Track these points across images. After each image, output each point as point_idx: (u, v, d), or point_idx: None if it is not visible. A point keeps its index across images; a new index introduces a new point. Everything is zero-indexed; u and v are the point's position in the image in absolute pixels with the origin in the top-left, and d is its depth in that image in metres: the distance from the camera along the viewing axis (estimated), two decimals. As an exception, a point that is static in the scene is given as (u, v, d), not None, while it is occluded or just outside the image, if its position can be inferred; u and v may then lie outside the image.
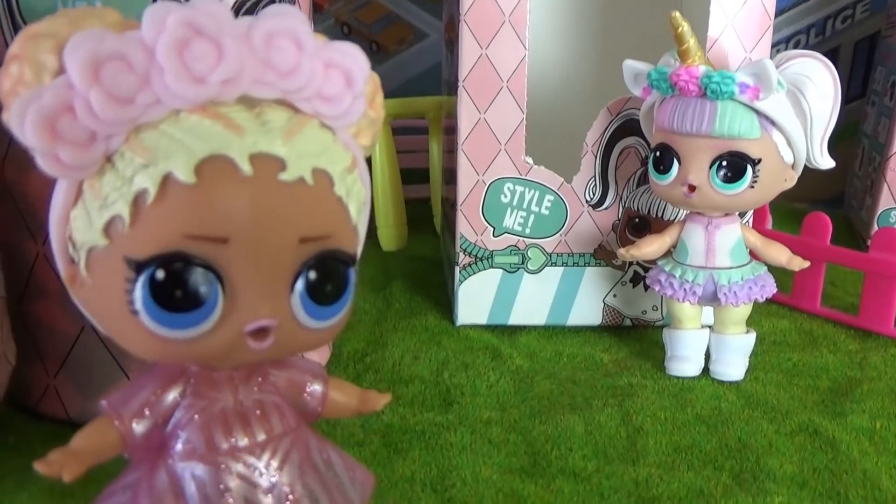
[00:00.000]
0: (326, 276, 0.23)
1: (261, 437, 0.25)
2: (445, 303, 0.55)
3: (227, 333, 0.22)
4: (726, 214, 0.43)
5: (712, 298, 0.44)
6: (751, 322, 0.45)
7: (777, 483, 0.36)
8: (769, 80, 0.38)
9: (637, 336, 0.51)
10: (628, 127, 0.48)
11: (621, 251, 0.45)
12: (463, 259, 0.50)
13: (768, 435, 0.39)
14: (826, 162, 0.42)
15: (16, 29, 0.34)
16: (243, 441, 0.24)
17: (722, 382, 0.45)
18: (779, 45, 0.80)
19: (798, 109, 0.40)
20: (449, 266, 0.55)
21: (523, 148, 0.48)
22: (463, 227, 0.50)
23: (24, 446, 0.38)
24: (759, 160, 0.40)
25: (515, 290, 0.51)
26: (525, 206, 0.49)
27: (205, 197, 0.21)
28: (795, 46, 0.80)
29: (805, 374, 0.46)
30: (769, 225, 0.58)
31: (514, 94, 0.47)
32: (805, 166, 0.42)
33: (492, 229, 0.50)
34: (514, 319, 0.51)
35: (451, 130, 0.53)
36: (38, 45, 0.22)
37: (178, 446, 0.24)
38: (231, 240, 0.21)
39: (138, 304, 0.21)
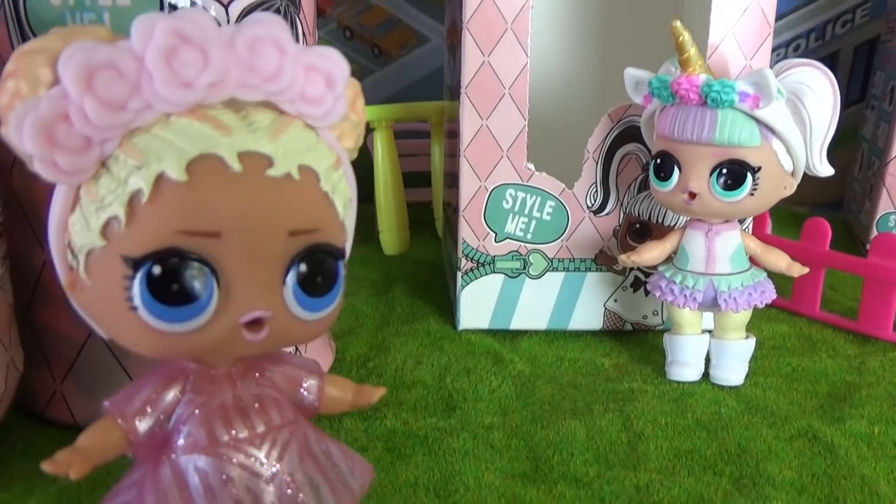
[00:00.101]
0: (317, 268, 0.24)
1: (260, 428, 0.26)
2: (447, 307, 0.56)
3: (224, 325, 0.23)
4: (726, 221, 0.44)
5: (712, 304, 0.44)
6: (751, 326, 0.46)
7: (776, 488, 0.36)
8: (769, 89, 0.39)
9: (638, 341, 0.51)
10: (629, 133, 0.48)
11: (622, 257, 0.46)
12: (465, 264, 0.51)
13: (768, 440, 0.40)
14: (825, 169, 0.42)
15: (24, 39, 0.34)
16: (243, 433, 0.25)
17: (722, 387, 0.45)
18: (779, 50, 0.80)
19: (797, 118, 0.41)
20: (451, 271, 0.55)
21: (525, 154, 0.49)
22: (465, 233, 0.50)
23: (31, 451, 0.38)
24: (759, 168, 0.41)
25: (517, 295, 0.51)
26: (527, 211, 0.50)
27: (196, 194, 0.22)
28: (795, 51, 0.80)
29: (804, 379, 0.46)
30: (769, 230, 0.59)
31: (516, 101, 0.48)
32: (805, 172, 0.43)
33: (494, 235, 0.50)
34: (516, 324, 0.52)
35: (452, 134, 0.53)
36: (33, 60, 0.23)
37: (181, 441, 0.25)
38: (223, 234, 0.22)
39: (137, 300, 0.22)
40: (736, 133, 0.40)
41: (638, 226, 0.50)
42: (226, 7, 0.35)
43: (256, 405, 0.26)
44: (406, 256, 0.67)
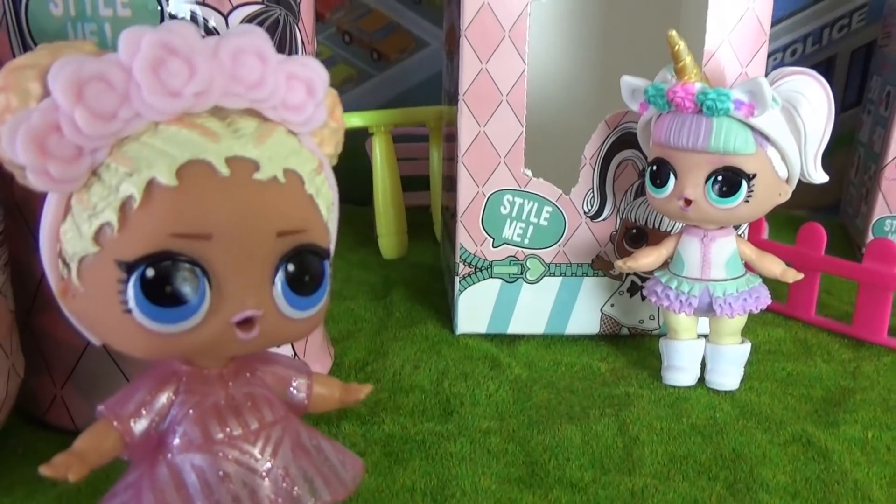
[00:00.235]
0: (304, 267, 0.25)
1: (254, 425, 0.26)
2: (445, 311, 0.56)
3: (216, 325, 0.24)
4: (721, 227, 0.44)
5: (708, 309, 0.45)
6: (746, 331, 0.46)
7: (770, 493, 0.36)
8: (764, 97, 0.39)
9: (634, 345, 0.52)
10: (626, 140, 0.49)
11: (619, 263, 0.46)
12: (463, 269, 0.51)
13: (762, 445, 0.40)
14: (820, 177, 0.42)
15: (25, 48, 0.35)
16: (238, 430, 0.26)
17: (717, 392, 0.46)
18: (776, 54, 0.80)
19: (792, 125, 0.41)
20: (449, 275, 0.55)
21: (522, 160, 0.49)
22: (463, 238, 0.50)
23: (32, 456, 0.38)
24: (754, 175, 0.41)
25: (514, 300, 0.52)
26: (524, 217, 0.50)
27: (187, 197, 0.23)
28: (792, 55, 0.81)
29: (799, 384, 0.47)
30: (765, 235, 0.59)
31: (514, 108, 0.48)
32: (800, 179, 0.43)
33: (491, 240, 0.50)
34: (514, 328, 0.52)
35: (451, 138, 0.53)
36: (22, 75, 0.23)
37: (176, 440, 0.26)
38: (214, 236, 0.23)
39: (131, 303, 0.23)
40: (731, 141, 0.40)
41: (634, 231, 0.51)
42: (226, 17, 0.36)
43: (249, 403, 0.27)
44: (405, 260, 0.67)
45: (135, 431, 0.26)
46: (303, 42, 0.41)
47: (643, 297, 0.51)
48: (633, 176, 0.49)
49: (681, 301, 0.44)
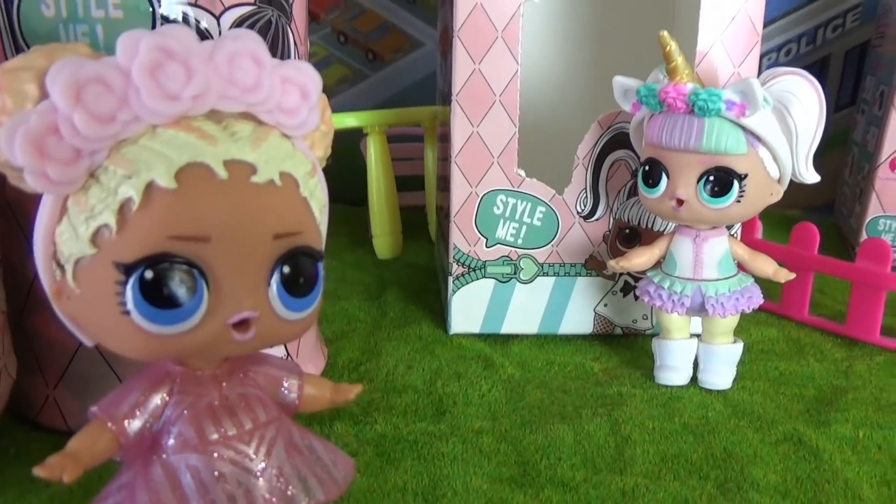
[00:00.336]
0: (298, 269, 0.25)
1: (248, 425, 0.27)
2: (440, 311, 0.56)
3: (214, 326, 0.24)
4: (714, 227, 0.44)
5: (700, 309, 0.45)
6: (739, 330, 0.46)
7: (760, 493, 0.37)
8: (755, 97, 0.39)
9: (628, 345, 0.52)
10: (618, 140, 0.49)
11: (611, 263, 0.46)
12: (456, 269, 0.51)
13: (753, 444, 0.40)
14: (811, 176, 0.43)
15: (17, 50, 0.35)
16: (232, 430, 0.26)
17: (709, 391, 0.46)
18: (770, 54, 0.81)
19: (784, 126, 0.41)
20: (443, 275, 0.55)
21: (515, 160, 0.49)
22: (456, 238, 0.51)
23: (24, 457, 0.38)
24: (746, 175, 0.41)
25: (508, 300, 0.52)
26: (517, 217, 0.50)
27: (186, 200, 0.23)
28: (787, 55, 0.81)
29: (791, 383, 0.47)
30: (759, 234, 0.59)
31: (507, 108, 0.48)
32: (792, 179, 0.43)
33: (485, 240, 0.51)
34: (507, 328, 0.52)
35: (444, 138, 0.53)
36: (18, 77, 0.24)
37: (171, 441, 0.26)
38: (212, 238, 0.23)
39: (130, 305, 0.23)
40: (722, 141, 0.40)
41: (627, 231, 0.51)
42: (217, 18, 0.36)
43: (243, 404, 0.27)
44: (399, 260, 0.67)
45: (129, 432, 0.26)
46: (295, 43, 0.41)
47: (636, 297, 0.51)
48: (625, 176, 0.50)
49: (673, 301, 0.45)
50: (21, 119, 0.23)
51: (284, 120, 0.26)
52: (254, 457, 0.26)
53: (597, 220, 0.50)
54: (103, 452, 0.26)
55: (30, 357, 0.39)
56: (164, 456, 0.26)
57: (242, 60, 0.25)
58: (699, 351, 0.46)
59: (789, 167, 0.42)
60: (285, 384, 0.29)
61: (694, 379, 0.47)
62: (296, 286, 0.25)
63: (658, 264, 0.46)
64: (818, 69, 0.80)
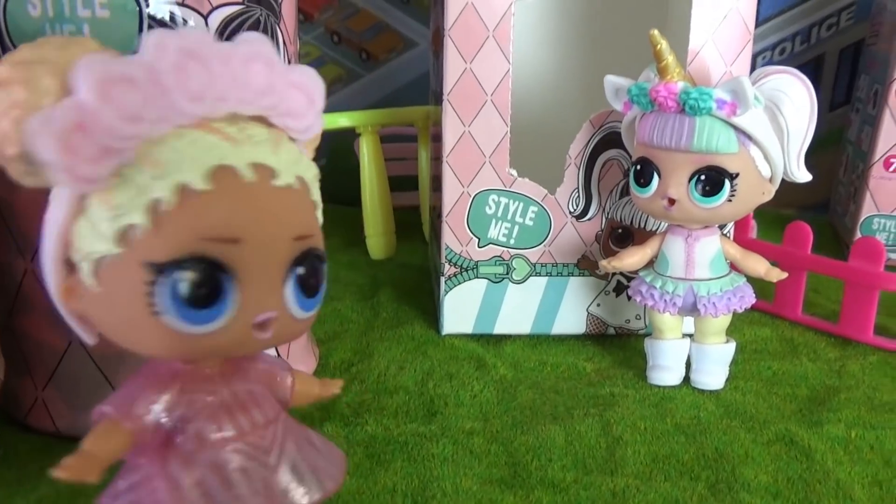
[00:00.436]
0: (311, 270, 0.26)
1: (260, 420, 0.27)
2: (432, 311, 0.56)
3: (240, 326, 0.24)
4: (706, 227, 0.44)
5: (692, 309, 0.45)
6: (733, 330, 0.46)
7: (751, 493, 0.36)
8: (746, 96, 0.39)
9: (620, 345, 0.52)
10: (610, 139, 0.49)
11: (603, 263, 0.46)
12: (448, 269, 0.51)
13: (745, 445, 0.40)
14: (803, 176, 0.42)
15: (3, 49, 0.34)
16: (247, 426, 0.27)
17: (702, 392, 0.46)
18: (764, 53, 0.80)
19: (775, 125, 0.41)
20: (435, 275, 0.55)
21: (507, 160, 0.49)
22: (448, 239, 0.50)
23: (13, 459, 0.38)
24: (737, 174, 0.41)
25: (500, 300, 0.52)
26: (509, 217, 0.50)
27: (218, 202, 0.23)
28: (781, 54, 0.81)
29: (784, 383, 0.47)
30: (753, 234, 0.59)
31: (499, 108, 0.48)
32: (783, 178, 0.43)
33: (477, 240, 0.50)
34: (499, 329, 0.52)
35: (437, 138, 0.53)
36: (32, 70, 0.23)
37: (188, 438, 0.26)
38: (242, 239, 0.24)
39: (161, 306, 0.23)
40: (714, 140, 0.40)
41: (620, 231, 0.51)
42: (205, 18, 0.36)
43: (252, 400, 0.27)
44: (392, 261, 0.67)
45: (146, 429, 0.26)
46: (284, 42, 0.40)
47: (629, 297, 0.51)
48: (618, 175, 0.49)
49: (665, 300, 0.44)
50: (46, 115, 0.22)
51: (292, 123, 0.27)
52: (269, 451, 0.27)
53: (589, 219, 0.50)
54: (117, 451, 0.26)
55: (18, 358, 0.39)
56: (183, 453, 0.26)
57: (256, 64, 0.25)
58: (691, 351, 0.46)
59: (781, 166, 0.42)
60: (279, 380, 0.30)
61: (686, 379, 0.46)
62: (308, 286, 0.26)
63: (650, 264, 0.46)
64: (812, 68, 0.80)
